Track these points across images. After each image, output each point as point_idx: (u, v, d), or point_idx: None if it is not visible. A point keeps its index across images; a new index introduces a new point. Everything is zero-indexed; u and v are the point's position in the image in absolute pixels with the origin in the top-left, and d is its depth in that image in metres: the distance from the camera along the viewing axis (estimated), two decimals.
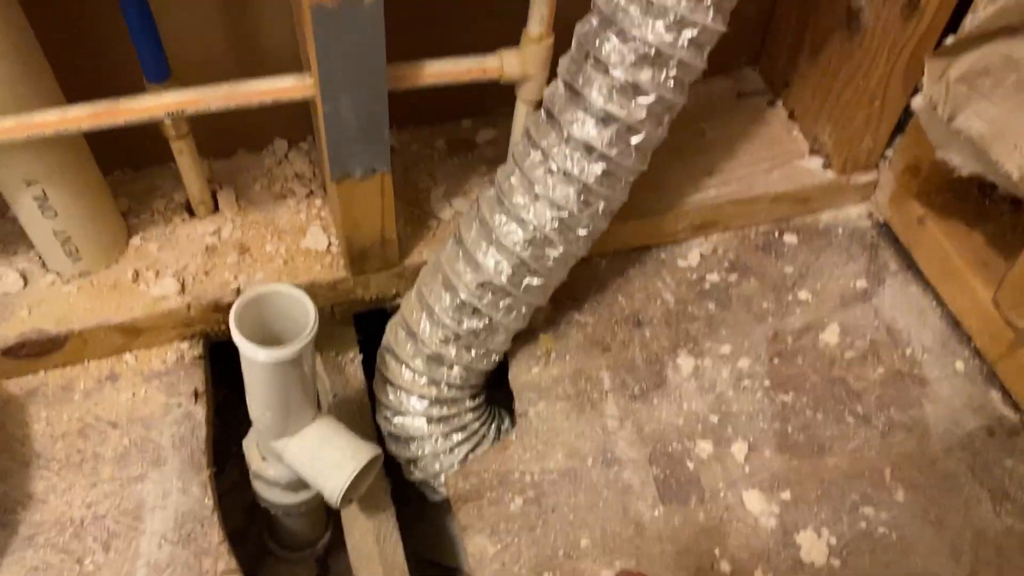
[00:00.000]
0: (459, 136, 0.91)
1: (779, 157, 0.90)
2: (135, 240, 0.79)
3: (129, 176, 0.84)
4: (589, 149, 0.65)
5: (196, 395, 0.74)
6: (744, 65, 0.99)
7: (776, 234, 0.90)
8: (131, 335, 0.75)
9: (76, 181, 0.69)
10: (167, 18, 0.67)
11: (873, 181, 0.89)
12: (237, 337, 0.55)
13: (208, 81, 0.63)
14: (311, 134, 0.88)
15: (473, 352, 0.74)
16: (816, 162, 0.90)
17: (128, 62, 0.66)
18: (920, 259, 0.85)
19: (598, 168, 0.65)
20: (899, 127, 0.85)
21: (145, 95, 0.62)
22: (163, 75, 0.66)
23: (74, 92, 0.64)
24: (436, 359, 0.74)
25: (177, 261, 0.77)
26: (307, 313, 0.58)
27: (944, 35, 0.74)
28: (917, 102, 0.70)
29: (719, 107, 0.95)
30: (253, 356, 0.56)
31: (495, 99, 0.78)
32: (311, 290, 0.67)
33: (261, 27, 0.76)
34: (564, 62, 0.66)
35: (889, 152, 0.87)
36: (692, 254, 0.87)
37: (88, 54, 0.71)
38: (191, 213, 0.81)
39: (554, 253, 0.69)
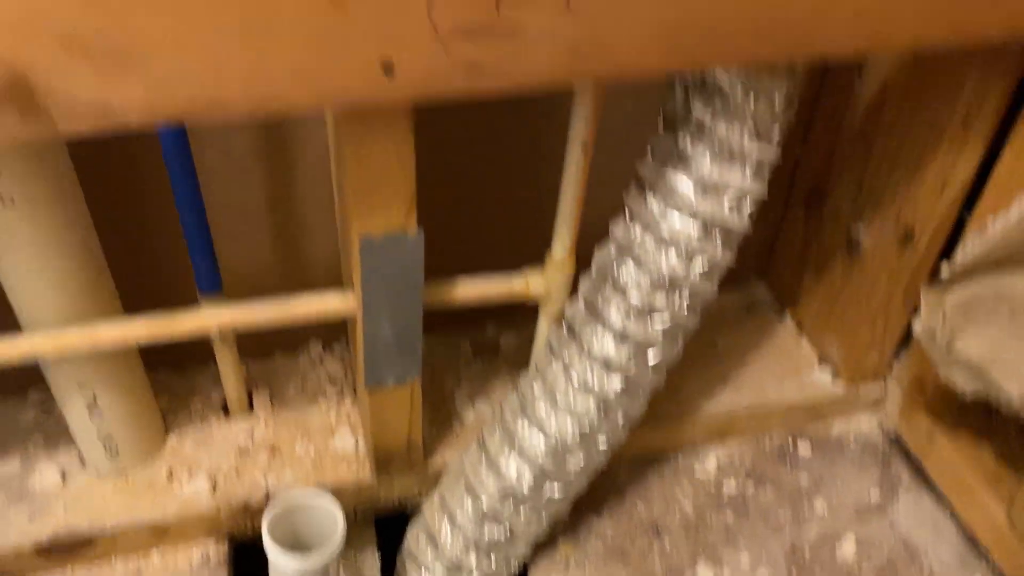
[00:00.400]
0: (484, 340, 0.96)
1: (789, 368, 0.94)
2: (172, 438, 0.82)
3: (170, 376, 0.88)
4: (608, 364, 0.69)
5: None
6: (753, 278, 1.05)
7: (790, 443, 0.92)
8: (160, 534, 0.76)
9: (125, 384, 0.73)
10: (221, 233, 0.73)
11: (882, 394, 0.92)
12: (270, 548, 0.58)
13: (254, 289, 0.69)
14: (344, 335, 0.93)
15: (494, 560, 0.75)
16: (825, 374, 0.94)
17: (179, 272, 0.72)
18: (932, 473, 0.87)
19: (617, 383, 0.69)
20: (904, 341, 0.89)
21: (199, 310, 0.67)
22: (216, 287, 0.72)
23: (128, 298, 0.70)
24: (456, 567, 0.75)
25: (210, 460, 0.80)
26: (335, 522, 0.61)
27: (939, 262, 0.79)
28: (917, 327, 0.75)
29: (730, 319, 1.00)
30: (284, 566, 0.58)
31: (518, 305, 0.84)
32: (337, 492, 0.70)
33: (307, 244, 0.82)
34: (585, 283, 0.71)
35: (896, 366, 0.91)
36: (709, 461, 0.89)
37: (145, 264, 0.78)
38: (227, 412, 0.85)
39: (575, 463, 0.72)
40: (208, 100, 0.46)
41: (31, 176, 0.58)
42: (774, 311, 1.01)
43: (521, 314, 0.95)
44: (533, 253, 0.74)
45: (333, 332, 0.92)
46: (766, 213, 0.66)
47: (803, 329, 0.98)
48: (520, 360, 0.93)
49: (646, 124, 0.68)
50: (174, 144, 0.62)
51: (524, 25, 0.48)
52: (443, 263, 0.71)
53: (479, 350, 0.94)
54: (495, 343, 0.95)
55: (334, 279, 0.84)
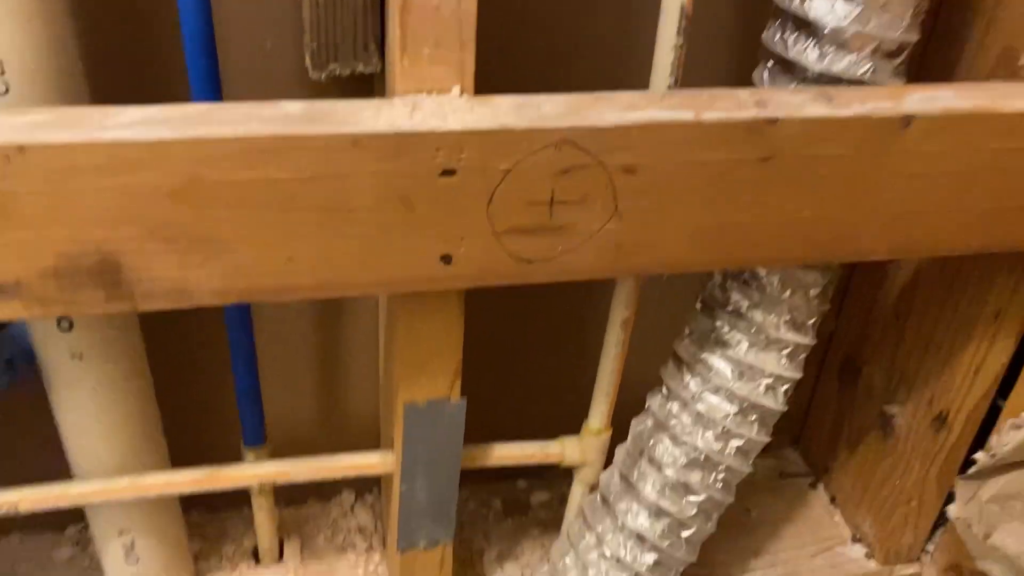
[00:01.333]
0: (514, 497, 0.96)
1: (822, 543, 0.93)
2: None
3: (203, 517, 0.89)
4: (641, 539, 0.69)
5: None
6: (786, 445, 1.05)
7: None
8: None
9: (163, 531, 0.75)
10: (267, 384, 0.76)
11: (917, 574, 0.91)
12: None
13: (293, 438, 0.70)
14: (376, 486, 0.94)
15: None
16: (859, 551, 0.92)
17: (223, 420, 0.75)
18: None
19: (650, 558, 0.69)
20: (940, 522, 0.88)
21: (244, 465, 0.69)
22: (260, 441, 0.74)
23: (170, 439, 0.73)
24: None
25: None
26: None
27: (974, 447, 0.79)
28: (952, 511, 0.74)
29: (763, 486, 1.00)
30: None
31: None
32: None
33: (348, 400, 0.85)
34: (620, 454, 0.73)
35: (931, 547, 0.90)
36: None
37: (191, 412, 0.80)
38: (256, 559, 0.86)
39: None
40: (278, 285, 0.49)
41: (101, 332, 0.61)
42: (807, 481, 1.01)
43: (552, 471, 0.96)
44: (569, 418, 0.76)
45: (365, 483, 0.93)
46: (799, 382, 0.68)
47: (836, 503, 0.97)
48: (550, 520, 0.93)
49: (684, 298, 0.70)
50: (237, 309, 0.65)
51: (575, 226, 0.51)
52: (479, 424, 0.73)
53: (509, 508, 0.95)
54: (526, 500, 0.96)
55: (371, 430, 0.86)
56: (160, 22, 0.59)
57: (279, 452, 0.75)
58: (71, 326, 0.59)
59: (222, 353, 0.69)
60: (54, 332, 0.59)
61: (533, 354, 0.87)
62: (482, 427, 0.72)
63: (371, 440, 0.85)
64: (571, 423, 0.75)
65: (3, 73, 0.48)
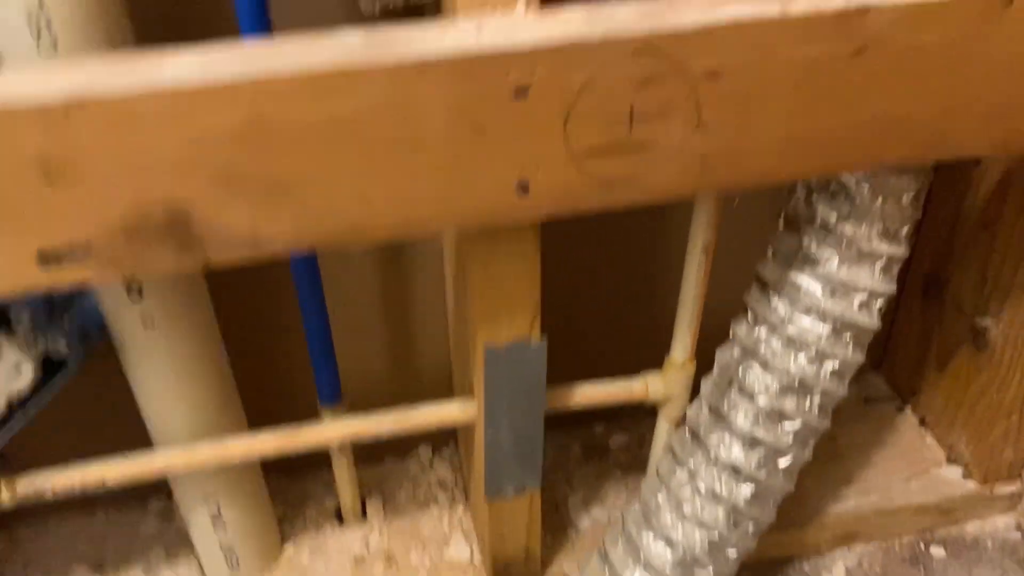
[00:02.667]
0: (593, 442, 0.94)
1: (916, 466, 0.90)
2: (288, 548, 0.82)
3: (283, 482, 0.89)
4: (736, 471, 0.67)
5: None
6: (868, 370, 1.01)
7: (922, 546, 0.87)
8: None
9: (247, 496, 0.74)
10: (338, 342, 0.74)
11: (1019, 491, 0.87)
12: None
13: (367, 394, 0.69)
14: (453, 440, 0.93)
15: None
16: (955, 472, 0.89)
17: (297, 380, 0.74)
18: None
19: (747, 490, 0.67)
20: None
21: (323, 424, 0.68)
22: (336, 399, 0.72)
23: (248, 406, 0.72)
24: None
25: (327, 570, 0.80)
26: None
27: None
28: None
29: (847, 413, 0.97)
30: None
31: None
32: None
33: (418, 349, 0.83)
34: (707, 386, 0.70)
35: None
36: (837, 567, 0.85)
37: (266, 374, 0.79)
38: (340, 520, 0.85)
39: (704, 575, 0.69)
40: (352, 227, 0.47)
41: (171, 298, 0.60)
42: (894, 405, 0.97)
43: (629, 413, 0.94)
44: (651, 354, 0.73)
45: (442, 437, 0.92)
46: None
47: (927, 424, 0.93)
48: (631, 462, 0.91)
49: (762, 218, 0.67)
50: (304, 263, 0.63)
51: (656, 142, 0.48)
52: (560, 365, 0.70)
53: (589, 452, 0.93)
54: (604, 444, 0.94)
55: (444, 379, 0.84)
56: None
57: (355, 408, 0.74)
58: (141, 294, 0.58)
59: (291, 313, 0.68)
60: (125, 301, 0.58)
61: (609, 285, 0.84)
62: (560, 366, 0.70)
63: (444, 387, 0.84)
64: (652, 357, 0.73)
65: (50, 28, 0.46)
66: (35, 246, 0.43)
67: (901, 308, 0.94)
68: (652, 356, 0.73)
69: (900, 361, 0.96)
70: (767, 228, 0.66)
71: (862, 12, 0.46)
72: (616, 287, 0.84)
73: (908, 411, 0.96)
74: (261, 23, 0.51)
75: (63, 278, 0.45)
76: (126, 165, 0.42)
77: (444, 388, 0.84)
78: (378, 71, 0.43)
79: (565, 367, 0.71)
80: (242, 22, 0.51)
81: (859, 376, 1.01)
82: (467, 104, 0.45)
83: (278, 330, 0.77)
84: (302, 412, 0.73)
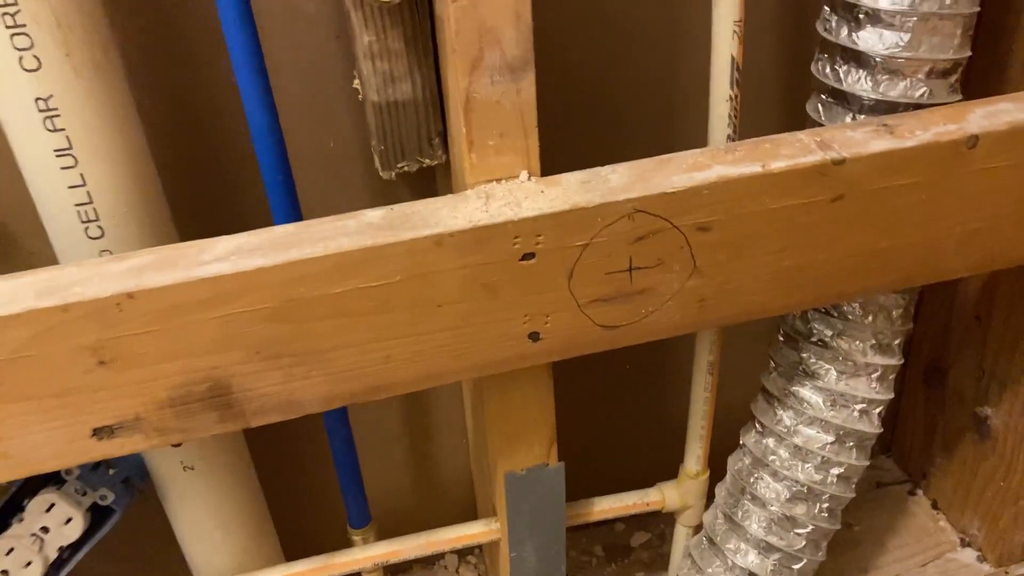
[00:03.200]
0: (614, 541, 0.96)
1: (930, 550, 0.92)
2: None
3: None
4: None
5: None
6: (879, 453, 1.04)
7: None
8: None
9: None
10: (366, 469, 0.77)
11: None
12: None
13: (395, 515, 0.72)
14: (479, 546, 0.95)
15: None
16: (970, 555, 0.91)
17: (327, 499, 0.77)
18: None
19: None
20: None
21: (354, 551, 0.70)
22: (365, 521, 0.75)
23: (280, 526, 0.75)
24: None
25: None
26: None
27: None
28: None
29: (861, 498, 0.98)
30: None
31: None
32: None
33: (441, 466, 0.86)
34: (721, 493, 0.73)
35: None
36: None
37: (299, 503, 0.82)
38: None
39: None
40: (377, 385, 0.51)
41: (208, 443, 0.63)
42: (906, 488, 0.99)
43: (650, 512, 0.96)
44: (666, 461, 0.76)
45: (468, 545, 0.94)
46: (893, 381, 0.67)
47: (939, 507, 0.95)
48: (654, 560, 0.93)
49: (768, 328, 0.70)
50: None
51: (656, 288, 0.52)
52: (576, 479, 0.73)
53: (611, 552, 0.95)
54: (626, 543, 0.96)
55: (466, 489, 0.87)
56: (231, 142, 0.62)
57: (383, 527, 0.77)
58: (179, 442, 0.61)
59: (320, 441, 0.71)
60: (166, 449, 0.62)
61: (623, 402, 0.88)
62: (580, 481, 0.73)
63: (466, 496, 0.86)
64: (668, 465, 0.75)
65: (97, 218, 0.51)
66: (90, 425, 0.47)
67: (906, 394, 0.97)
68: (669, 464, 0.76)
69: (909, 445, 0.99)
70: (772, 337, 0.70)
71: (838, 163, 0.51)
72: (630, 400, 0.88)
73: (920, 494, 0.98)
74: (290, 201, 0.55)
75: (115, 449, 0.49)
76: (171, 347, 0.46)
77: (467, 500, 0.87)
78: (398, 246, 0.47)
79: (583, 481, 0.74)
80: (272, 201, 0.55)
81: (871, 460, 1.04)
82: (479, 269, 0.49)
83: (308, 458, 0.80)
84: (333, 531, 0.76)
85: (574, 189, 0.49)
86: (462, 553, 0.94)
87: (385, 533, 0.75)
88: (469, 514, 0.79)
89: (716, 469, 0.74)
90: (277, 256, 0.46)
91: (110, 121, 0.50)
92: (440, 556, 0.94)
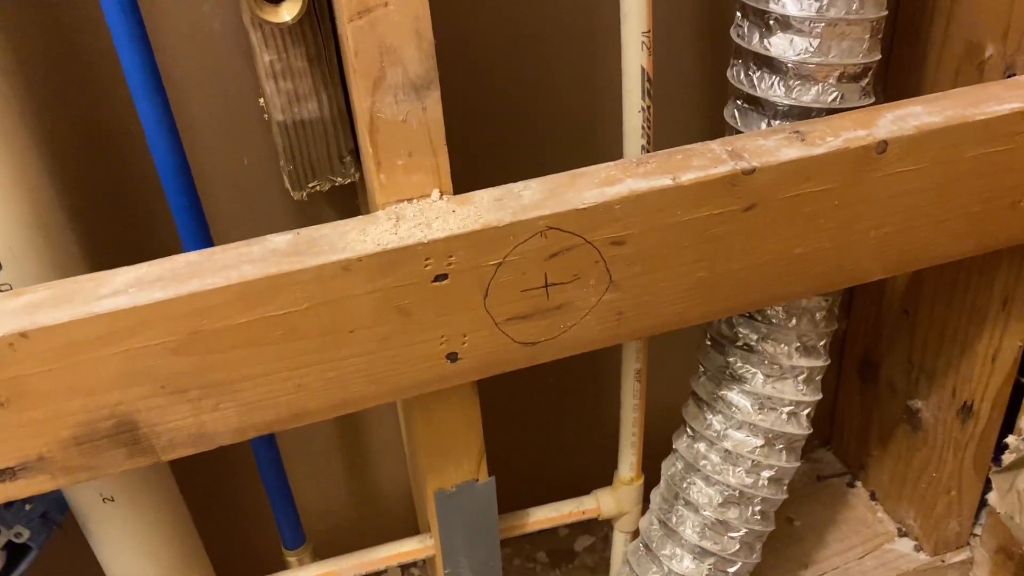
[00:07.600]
0: (558, 546, 0.96)
1: (869, 541, 0.93)
2: None
3: None
4: None
5: None
6: (818, 447, 1.05)
7: None
8: None
9: None
10: (300, 489, 0.76)
11: (969, 559, 0.90)
12: None
13: (332, 530, 0.71)
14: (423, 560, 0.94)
15: None
16: (907, 544, 0.92)
17: (255, 523, 0.75)
18: None
19: None
20: (984, 503, 0.88)
21: (289, 572, 0.69)
22: (300, 542, 0.74)
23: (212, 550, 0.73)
24: None
25: None
26: None
27: (1005, 429, 0.79)
28: (993, 499, 0.74)
29: (801, 492, 1.00)
30: None
31: None
32: None
33: (378, 478, 0.85)
34: (656, 499, 0.73)
35: (978, 530, 0.89)
36: None
37: (230, 527, 0.81)
38: None
39: None
40: (292, 413, 0.50)
41: (128, 476, 0.62)
42: (844, 480, 1.00)
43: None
44: (602, 466, 0.76)
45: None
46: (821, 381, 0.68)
47: (877, 498, 0.97)
48: (598, 564, 0.93)
49: (697, 332, 0.71)
50: None
51: (573, 304, 0.52)
52: (512, 490, 0.73)
53: (555, 558, 0.95)
54: (570, 548, 0.96)
55: (405, 501, 0.86)
56: (140, 166, 0.60)
57: (321, 546, 0.76)
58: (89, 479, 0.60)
59: (251, 461, 0.70)
60: (83, 484, 0.60)
61: (558, 410, 0.87)
62: (516, 492, 0.73)
63: (406, 508, 0.86)
64: (605, 471, 0.75)
65: None
66: None
67: (841, 387, 0.98)
68: (605, 470, 0.75)
69: (846, 438, 1.00)
70: (700, 341, 0.70)
71: (748, 173, 0.51)
72: (564, 411, 0.88)
73: (859, 486, 0.99)
74: (196, 223, 0.54)
75: (20, 491, 0.47)
76: (71, 385, 0.45)
77: (410, 515, 0.86)
78: (305, 273, 0.46)
79: (520, 491, 0.73)
80: (181, 230, 0.54)
81: (810, 453, 1.05)
82: (390, 293, 0.48)
83: (238, 479, 0.78)
84: (269, 552, 0.75)
85: (486, 207, 0.49)
86: (405, 565, 0.93)
87: (323, 552, 0.74)
88: (413, 529, 0.79)
89: (654, 471, 0.74)
90: (178, 288, 0.44)
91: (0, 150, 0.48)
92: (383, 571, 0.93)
